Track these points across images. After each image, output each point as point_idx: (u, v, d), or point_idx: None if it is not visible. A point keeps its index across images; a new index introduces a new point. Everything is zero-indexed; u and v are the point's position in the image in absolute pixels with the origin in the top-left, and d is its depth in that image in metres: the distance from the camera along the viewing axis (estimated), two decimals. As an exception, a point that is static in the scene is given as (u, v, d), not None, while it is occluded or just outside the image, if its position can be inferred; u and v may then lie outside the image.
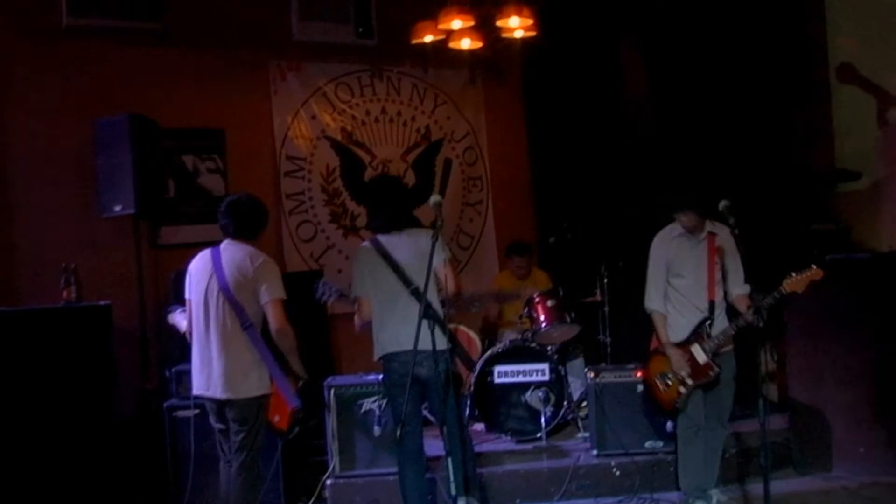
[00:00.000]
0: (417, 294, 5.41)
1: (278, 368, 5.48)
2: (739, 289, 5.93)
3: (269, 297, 5.47)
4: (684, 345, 5.94)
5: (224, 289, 5.49)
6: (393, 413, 5.87)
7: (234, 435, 5.57)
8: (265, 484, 5.85)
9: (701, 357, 5.88)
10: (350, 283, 5.86)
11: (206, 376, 5.55)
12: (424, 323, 5.06)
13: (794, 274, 5.58)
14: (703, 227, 5.96)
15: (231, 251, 5.61)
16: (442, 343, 5.42)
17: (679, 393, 5.95)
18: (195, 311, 5.64)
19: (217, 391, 5.51)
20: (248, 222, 5.67)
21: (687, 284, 5.96)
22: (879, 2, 8.32)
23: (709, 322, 5.89)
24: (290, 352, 5.52)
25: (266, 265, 5.55)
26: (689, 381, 5.91)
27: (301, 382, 5.57)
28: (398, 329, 5.51)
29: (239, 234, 5.65)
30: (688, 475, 6.11)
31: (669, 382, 6.00)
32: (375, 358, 5.73)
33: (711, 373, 5.86)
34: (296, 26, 8.85)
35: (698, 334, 5.92)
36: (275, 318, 5.45)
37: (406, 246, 5.70)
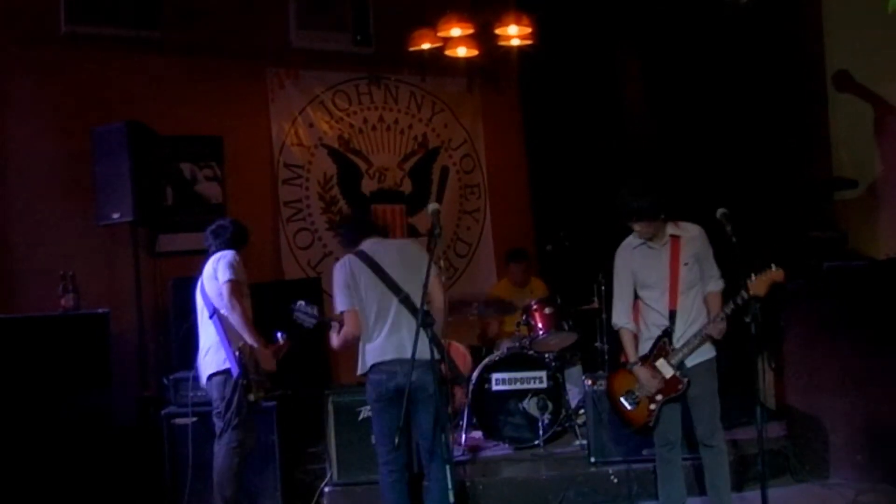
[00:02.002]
0: (408, 302, 5.39)
1: (230, 348, 5.90)
2: (710, 285, 5.71)
3: (221, 281, 5.93)
4: (648, 360, 5.71)
5: (201, 287, 6.08)
6: (378, 429, 5.57)
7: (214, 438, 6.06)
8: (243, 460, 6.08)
9: (667, 371, 5.63)
10: (333, 301, 5.69)
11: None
12: (418, 331, 5.01)
13: (753, 276, 5.37)
14: (664, 233, 5.69)
15: (212, 257, 6.16)
16: (435, 353, 5.22)
17: (649, 411, 5.74)
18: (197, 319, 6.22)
19: (200, 376, 6.11)
20: (226, 239, 6.16)
21: (652, 295, 5.72)
22: (876, 10, 8.33)
23: (670, 334, 5.64)
24: (239, 327, 5.92)
25: (223, 258, 6.01)
26: (658, 398, 5.68)
27: (238, 352, 5.90)
28: (389, 339, 5.42)
29: (220, 249, 6.13)
30: (665, 494, 5.93)
31: (637, 400, 5.79)
32: (360, 372, 5.53)
33: (680, 386, 5.61)
34: (294, 34, 8.87)
35: (661, 347, 5.67)
36: (225, 297, 5.89)
37: (392, 253, 5.61)
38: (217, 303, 5.95)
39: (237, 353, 5.87)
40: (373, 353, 5.47)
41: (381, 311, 5.48)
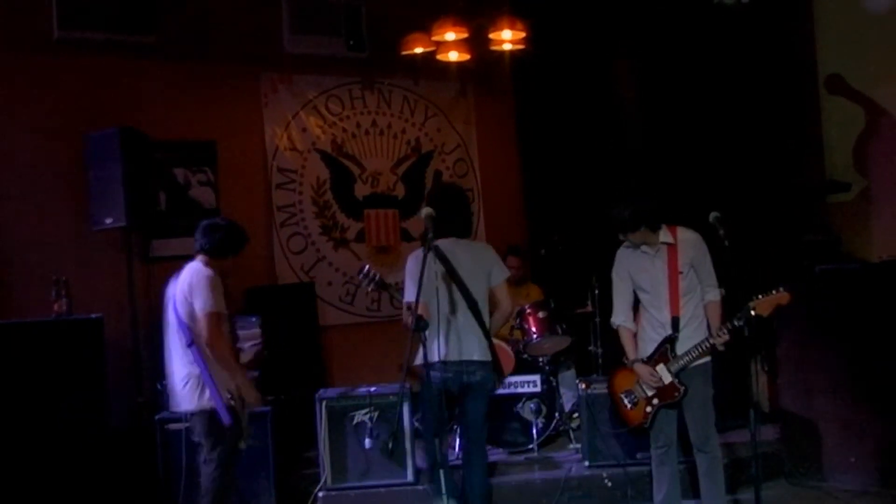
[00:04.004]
0: (474, 306, 5.66)
1: (214, 385, 5.44)
2: (709, 295, 5.74)
3: (199, 312, 5.44)
4: (649, 363, 5.74)
5: (174, 308, 5.58)
6: (424, 414, 5.76)
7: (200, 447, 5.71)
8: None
9: (666, 377, 5.67)
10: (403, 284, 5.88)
11: (169, 391, 5.72)
12: (479, 333, 5.65)
13: (760, 296, 5.41)
14: (655, 240, 5.72)
15: (185, 270, 5.64)
16: (489, 355, 5.76)
17: (646, 413, 5.78)
18: (164, 329, 5.72)
19: (174, 405, 5.67)
20: (214, 241, 5.67)
21: (649, 299, 5.78)
22: (867, 14, 8.37)
23: (673, 340, 5.68)
24: (224, 366, 5.50)
25: (200, 281, 5.49)
26: (655, 401, 5.74)
27: (230, 398, 5.49)
28: (456, 339, 5.63)
29: (201, 251, 5.68)
30: (660, 497, 5.93)
31: (636, 400, 5.84)
32: (420, 362, 5.47)
33: (677, 394, 5.65)
34: (287, 39, 8.85)
35: (662, 353, 5.71)
36: (204, 333, 5.42)
37: (466, 254, 5.78)
38: (192, 328, 5.47)
39: (229, 399, 5.47)
40: (440, 349, 5.60)
41: (450, 310, 5.64)
